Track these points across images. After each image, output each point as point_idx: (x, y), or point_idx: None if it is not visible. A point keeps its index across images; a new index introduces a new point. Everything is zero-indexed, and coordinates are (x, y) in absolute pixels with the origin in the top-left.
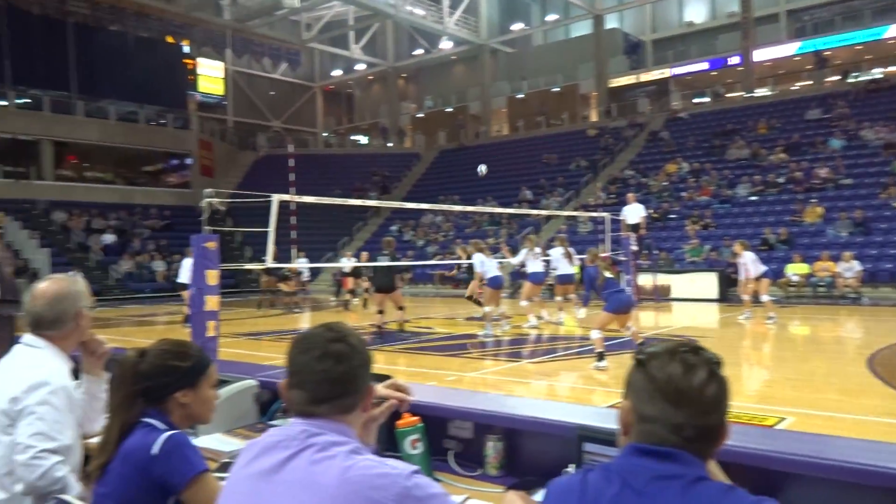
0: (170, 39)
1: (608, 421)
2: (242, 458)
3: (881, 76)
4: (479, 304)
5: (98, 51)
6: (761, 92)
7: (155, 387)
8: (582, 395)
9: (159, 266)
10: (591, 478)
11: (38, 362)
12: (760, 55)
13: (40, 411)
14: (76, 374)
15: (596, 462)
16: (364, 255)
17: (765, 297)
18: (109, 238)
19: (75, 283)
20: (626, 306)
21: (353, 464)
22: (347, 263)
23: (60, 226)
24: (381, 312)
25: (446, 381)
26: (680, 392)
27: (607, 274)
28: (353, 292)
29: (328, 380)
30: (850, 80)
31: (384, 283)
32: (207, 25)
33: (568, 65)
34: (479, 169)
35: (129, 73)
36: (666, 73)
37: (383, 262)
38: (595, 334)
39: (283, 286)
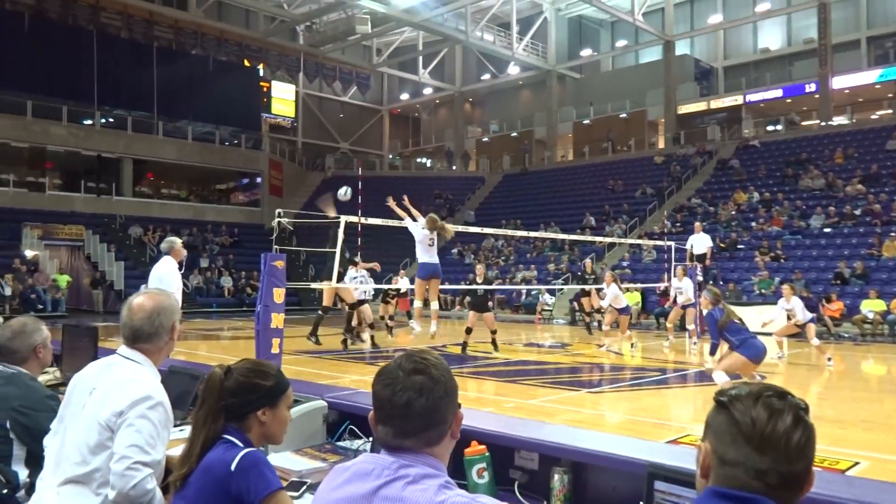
0: (247, 63)
1: (680, 459)
2: (332, 480)
3: None
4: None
5: (179, 73)
6: (839, 120)
7: (238, 404)
8: (642, 427)
9: (227, 282)
10: None
11: (139, 376)
12: (839, 83)
13: (139, 424)
14: None
15: (667, 502)
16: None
17: (815, 341)
18: None
19: (169, 297)
20: (762, 354)
21: (445, 499)
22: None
23: (136, 240)
24: (469, 331)
25: (504, 409)
26: (765, 437)
27: (734, 319)
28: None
29: (411, 415)
30: None
31: (478, 303)
32: (283, 50)
33: (636, 91)
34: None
35: (207, 95)
36: (738, 100)
37: (478, 286)
38: (720, 377)
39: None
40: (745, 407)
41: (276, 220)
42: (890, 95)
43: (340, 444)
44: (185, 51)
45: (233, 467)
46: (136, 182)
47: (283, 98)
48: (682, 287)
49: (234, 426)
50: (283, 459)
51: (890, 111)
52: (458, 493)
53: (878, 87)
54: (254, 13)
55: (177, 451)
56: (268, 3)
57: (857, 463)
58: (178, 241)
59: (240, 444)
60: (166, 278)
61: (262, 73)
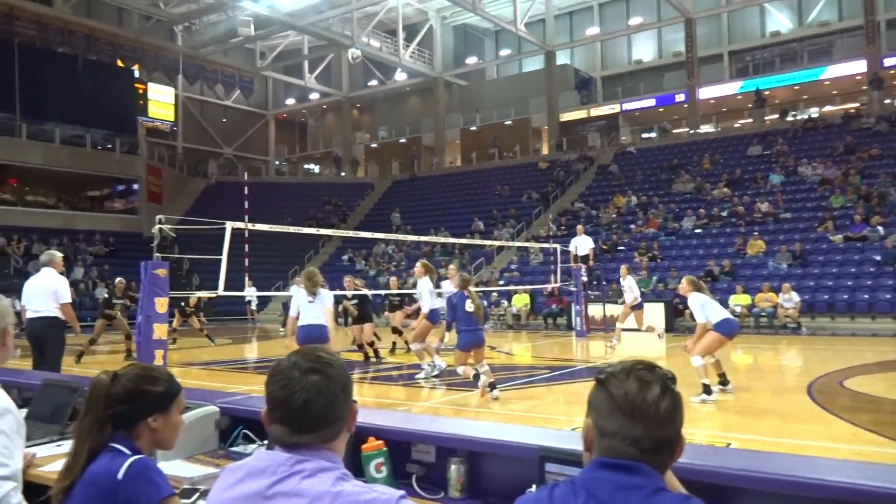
0: (120, 63)
1: (568, 443)
2: (224, 479)
3: (817, 115)
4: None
5: (44, 73)
6: (706, 128)
7: (127, 411)
8: (533, 422)
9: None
10: (558, 492)
11: None
12: (705, 93)
13: None
14: None
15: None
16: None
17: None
18: None
19: (1, 299)
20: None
21: (341, 490)
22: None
23: None
24: (371, 344)
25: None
26: (637, 407)
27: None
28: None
29: (309, 414)
30: (788, 119)
31: (361, 314)
32: (159, 51)
33: (520, 99)
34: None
35: (76, 96)
36: (615, 108)
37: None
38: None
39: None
40: (619, 381)
41: (157, 226)
42: (749, 105)
43: (234, 449)
44: (51, 49)
45: (120, 476)
46: None
47: (160, 101)
48: (625, 286)
49: (122, 434)
50: (174, 467)
51: (750, 120)
52: (356, 482)
53: (739, 97)
54: (127, 11)
55: (58, 465)
56: (142, 2)
57: (728, 444)
58: (58, 254)
59: (127, 451)
60: (62, 289)
61: (137, 75)
